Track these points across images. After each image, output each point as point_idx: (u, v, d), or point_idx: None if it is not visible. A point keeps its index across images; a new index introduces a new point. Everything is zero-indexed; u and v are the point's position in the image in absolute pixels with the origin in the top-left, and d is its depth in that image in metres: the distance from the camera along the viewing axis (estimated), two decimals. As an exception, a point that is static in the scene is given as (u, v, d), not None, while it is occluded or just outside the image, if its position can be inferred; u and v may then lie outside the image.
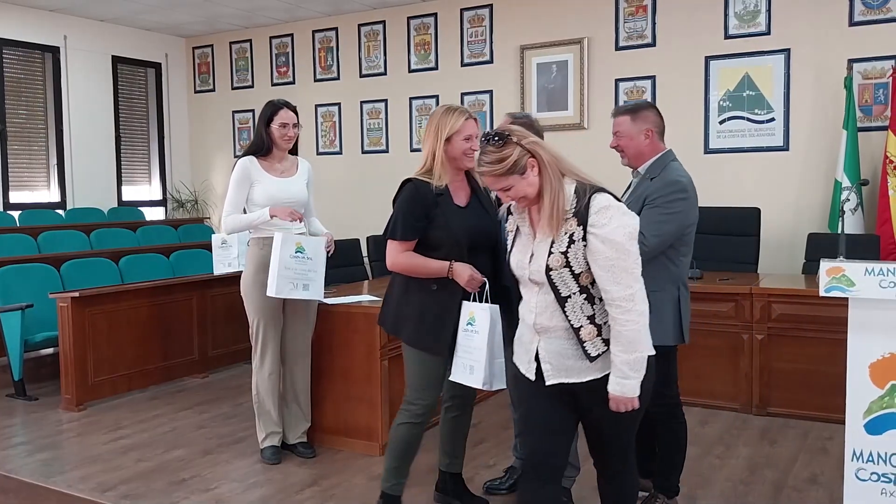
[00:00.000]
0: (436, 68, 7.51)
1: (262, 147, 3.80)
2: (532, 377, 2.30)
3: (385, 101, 7.82)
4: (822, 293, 2.52)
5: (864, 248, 4.75)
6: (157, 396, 5.17)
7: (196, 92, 9.19)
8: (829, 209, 5.64)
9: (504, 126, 2.31)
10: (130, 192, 8.79)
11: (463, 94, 7.33)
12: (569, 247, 2.16)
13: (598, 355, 2.20)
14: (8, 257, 5.67)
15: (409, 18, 7.61)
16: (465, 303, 2.78)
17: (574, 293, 2.19)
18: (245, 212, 3.81)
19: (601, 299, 2.19)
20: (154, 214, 8.93)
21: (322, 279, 3.75)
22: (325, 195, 6.73)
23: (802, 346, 4.41)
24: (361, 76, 7.95)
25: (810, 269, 5.05)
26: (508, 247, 2.38)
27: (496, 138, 2.19)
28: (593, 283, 2.19)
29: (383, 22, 7.76)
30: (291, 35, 8.36)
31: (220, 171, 8.92)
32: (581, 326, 2.20)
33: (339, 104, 8.12)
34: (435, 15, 7.47)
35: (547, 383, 2.27)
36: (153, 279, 5.69)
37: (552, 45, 6.84)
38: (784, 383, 4.47)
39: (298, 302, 3.84)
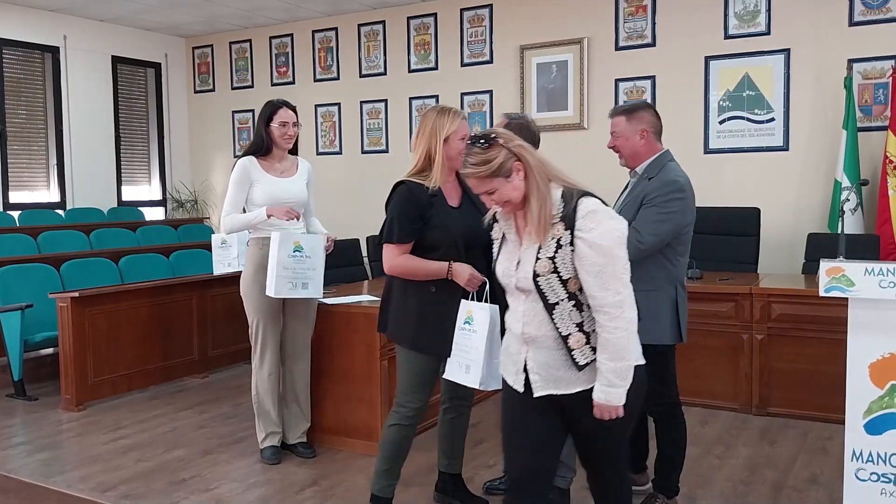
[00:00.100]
0: (436, 68, 7.51)
1: (261, 147, 3.80)
2: (520, 389, 2.24)
3: (385, 101, 7.82)
4: (821, 293, 2.52)
5: (864, 248, 4.75)
6: (157, 396, 5.17)
7: (196, 92, 9.19)
8: (829, 209, 5.64)
9: (491, 129, 2.29)
10: (130, 192, 8.79)
11: (463, 94, 7.34)
12: (556, 252, 2.12)
13: (587, 364, 2.15)
14: (8, 257, 5.67)
15: (408, 18, 7.61)
16: (462, 301, 2.76)
17: (562, 300, 2.14)
18: (245, 212, 3.81)
19: (590, 306, 2.14)
20: (154, 214, 8.93)
21: (321, 277, 3.75)
22: (325, 195, 6.73)
23: (802, 346, 4.41)
24: (361, 76, 7.95)
25: (810, 269, 5.05)
26: (494, 255, 2.34)
27: (482, 140, 2.16)
28: (581, 289, 2.14)
29: (383, 22, 7.76)
30: (291, 35, 8.36)
31: (219, 171, 8.92)
32: (569, 334, 2.15)
33: (338, 104, 8.12)
34: (435, 15, 7.47)
35: (535, 395, 2.21)
36: (153, 279, 5.69)
37: (552, 45, 6.84)
38: (784, 383, 4.47)
39: (298, 302, 3.84)
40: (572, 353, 2.15)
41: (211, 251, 4.51)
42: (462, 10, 7.31)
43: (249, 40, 8.67)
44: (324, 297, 3.99)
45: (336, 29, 8.06)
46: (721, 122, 6.19)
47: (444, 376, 2.83)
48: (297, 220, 3.75)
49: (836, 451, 3.71)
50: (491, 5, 7.17)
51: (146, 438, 4.29)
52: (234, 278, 4.09)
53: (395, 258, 2.88)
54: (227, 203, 3.79)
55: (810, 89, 5.86)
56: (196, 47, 9.10)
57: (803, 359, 4.40)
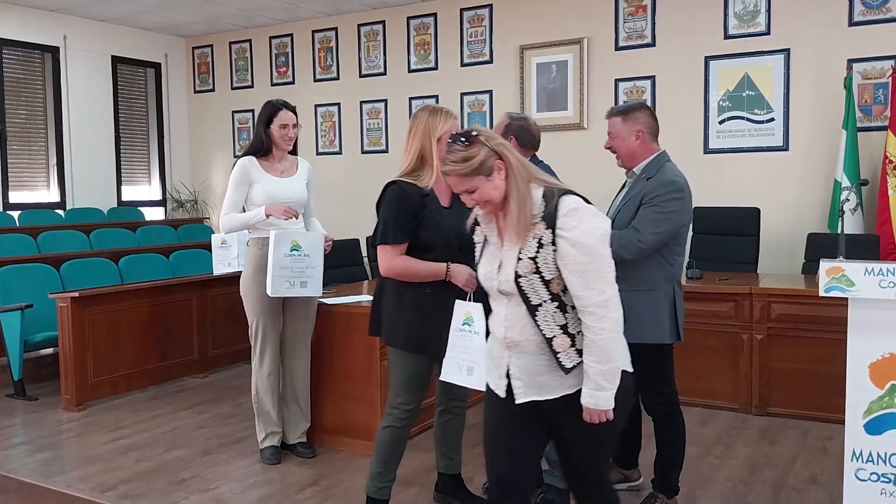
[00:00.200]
0: (435, 68, 7.51)
1: (261, 148, 3.80)
2: (502, 394, 2.19)
3: (385, 101, 7.82)
4: (821, 293, 2.51)
5: (864, 248, 4.75)
6: (156, 396, 5.17)
7: (196, 92, 9.19)
8: (829, 209, 5.64)
9: (472, 126, 2.25)
10: (130, 192, 8.79)
11: (463, 94, 7.34)
12: (538, 252, 2.07)
13: (574, 366, 2.09)
14: (8, 257, 5.67)
15: (408, 18, 7.61)
16: (459, 302, 2.69)
17: (545, 301, 2.09)
18: (245, 212, 3.81)
19: (574, 307, 2.08)
20: (154, 214, 8.93)
21: (320, 275, 3.74)
22: (325, 195, 6.73)
23: (802, 346, 4.41)
24: (361, 76, 7.95)
25: (810, 269, 5.06)
26: (476, 258, 2.29)
27: (462, 138, 2.12)
28: (565, 290, 2.08)
29: (383, 22, 7.76)
30: (291, 35, 8.36)
31: (219, 171, 8.92)
32: (554, 337, 2.09)
33: (338, 104, 8.12)
34: (435, 15, 7.47)
35: (517, 401, 2.16)
36: (153, 279, 5.69)
37: (552, 45, 6.84)
38: (784, 383, 4.47)
39: (298, 302, 3.84)
40: (558, 356, 2.09)
41: (211, 251, 4.51)
42: (462, 10, 7.31)
43: (249, 40, 8.67)
44: (324, 297, 3.99)
45: (336, 29, 8.06)
46: (721, 122, 6.19)
47: (441, 378, 2.76)
48: (296, 218, 3.75)
49: (836, 451, 3.71)
50: (491, 5, 7.17)
51: (146, 438, 4.29)
52: (234, 278, 4.09)
53: (393, 259, 2.85)
54: (227, 203, 3.79)
55: (810, 89, 5.86)
56: (196, 47, 9.10)
57: (803, 359, 4.40)
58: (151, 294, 5.36)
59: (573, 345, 2.09)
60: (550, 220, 2.06)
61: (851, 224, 5.18)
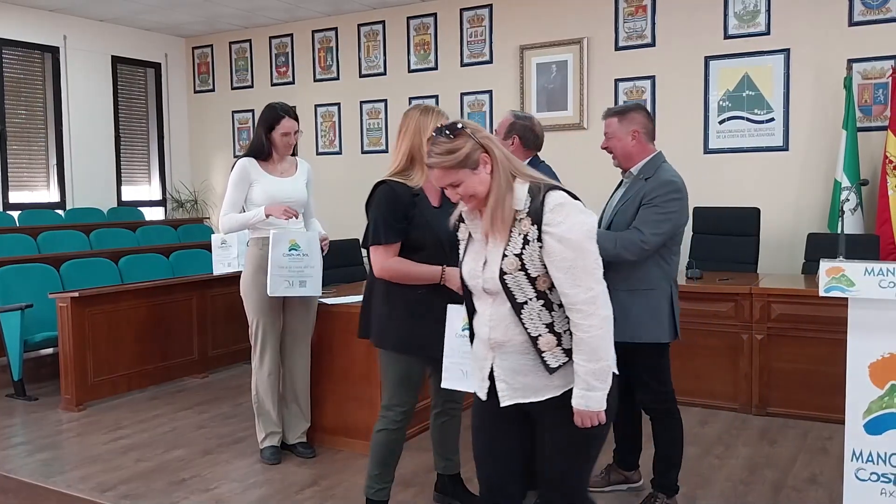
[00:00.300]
0: (435, 68, 7.51)
1: (262, 152, 3.80)
2: (483, 397, 2.15)
3: (385, 101, 7.82)
4: (821, 293, 2.52)
5: (864, 248, 4.75)
6: (156, 396, 5.17)
7: (196, 92, 9.19)
8: (829, 209, 5.64)
9: (458, 119, 2.17)
10: (130, 192, 8.78)
11: (462, 94, 7.33)
12: (523, 248, 2.01)
13: (559, 366, 2.03)
14: (8, 257, 5.67)
15: (408, 18, 7.61)
16: (453, 307, 2.67)
17: (531, 299, 2.02)
18: (244, 212, 3.81)
19: (560, 305, 2.02)
20: (154, 214, 8.93)
21: (319, 274, 3.74)
22: (325, 195, 6.72)
23: (802, 346, 4.40)
24: (361, 76, 7.95)
25: (810, 269, 5.05)
26: (461, 256, 2.21)
27: (447, 130, 2.05)
28: (551, 288, 2.02)
29: (383, 22, 7.76)
30: (291, 35, 8.36)
31: (219, 171, 8.91)
32: (539, 335, 2.02)
33: (338, 104, 8.12)
34: (435, 15, 7.47)
35: (501, 404, 2.10)
36: (153, 279, 5.69)
37: (552, 45, 6.84)
38: (783, 383, 4.47)
39: (298, 302, 3.84)
40: (543, 355, 2.03)
41: (211, 251, 4.52)
42: (462, 10, 7.31)
43: (249, 40, 8.67)
44: (323, 297, 3.99)
45: (336, 29, 8.05)
46: (721, 122, 6.19)
47: (443, 385, 2.74)
48: (296, 218, 3.75)
49: (836, 451, 3.71)
50: (491, 5, 7.17)
51: (146, 438, 4.29)
52: (234, 278, 4.09)
53: (387, 260, 2.80)
54: (226, 203, 3.79)
55: (810, 89, 5.85)
56: (196, 47, 9.10)
57: (803, 359, 4.40)
58: (151, 294, 5.36)
59: (559, 344, 2.04)
60: (536, 215, 2.01)
61: (851, 224, 5.17)
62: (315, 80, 8.25)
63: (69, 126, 8.04)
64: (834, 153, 5.63)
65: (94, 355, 4.95)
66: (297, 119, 3.83)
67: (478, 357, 2.19)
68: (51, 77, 7.96)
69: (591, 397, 1.99)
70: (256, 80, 8.65)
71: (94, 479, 3.67)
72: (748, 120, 6.08)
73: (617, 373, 2.07)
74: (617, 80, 6.58)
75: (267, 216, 3.68)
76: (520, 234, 2.02)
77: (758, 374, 4.52)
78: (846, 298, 2.51)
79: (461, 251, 2.23)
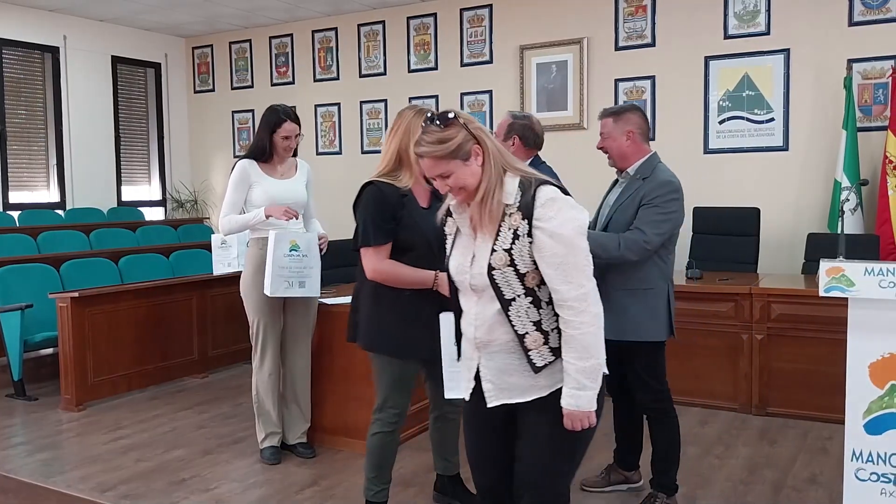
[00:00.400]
0: (435, 68, 7.51)
1: (262, 154, 3.80)
2: (467, 398, 2.12)
3: (385, 101, 7.82)
4: (821, 293, 2.52)
5: (864, 248, 4.75)
6: (156, 396, 5.17)
7: (196, 92, 9.19)
8: (829, 209, 5.64)
9: (450, 108, 2.12)
10: (130, 193, 8.78)
11: (463, 94, 7.33)
12: (513, 243, 1.95)
13: (545, 365, 1.98)
14: (8, 257, 5.67)
15: (408, 18, 7.61)
16: (449, 315, 2.58)
17: (519, 295, 1.97)
18: (244, 213, 3.81)
19: (549, 303, 1.98)
20: (153, 214, 8.93)
21: (318, 275, 3.75)
22: (325, 195, 6.72)
23: (802, 346, 4.40)
24: (361, 76, 7.95)
25: (810, 269, 5.06)
26: (448, 251, 2.15)
27: (439, 119, 1.99)
28: (540, 285, 1.98)
29: (383, 22, 7.76)
30: (291, 35, 8.36)
31: (219, 171, 8.91)
32: (526, 333, 1.97)
33: (338, 104, 8.12)
34: (435, 15, 7.47)
35: (488, 405, 2.06)
36: (153, 279, 5.69)
37: (552, 45, 6.84)
38: (783, 383, 4.47)
39: (298, 302, 3.84)
40: (529, 353, 1.98)
41: (211, 251, 4.52)
42: (462, 10, 7.31)
43: (249, 40, 8.67)
44: (323, 297, 3.99)
45: (336, 29, 8.05)
46: (721, 122, 6.19)
47: (447, 396, 2.66)
48: (297, 218, 3.75)
49: (836, 451, 3.71)
50: (491, 5, 7.17)
51: (146, 438, 4.29)
52: (234, 278, 4.09)
53: (380, 262, 2.77)
54: (226, 204, 3.79)
55: (810, 89, 5.86)
56: (196, 47, 9.10)
57: (803, 359, 4.40)
58: (151, 294, 5.36)
59: (546, 342, 1.99)
60: (527, 210, 1.96)
61: (851, 224, 5.18)
62: (315, 80, 8.25)
63: (69, 126, 8.04)
64: (834, 153, 5.63)
65: (94, 355, 4.95)
66: (298, 122, 3.83)
67: (465, 357, 2.15)
68: (51, 77, 7.96)
69: (581, 396, 1.95)
70: (256, 80, 8.65)
71: (94, 479, 3.67)
72: (748, 120, 6.08)
73: (607, 372, 2.03)
74: (617, 80, 6.58)
75: (267, 217, 3.68)
76: (510, 228, 1.97)
77: (758, 374, 4.52)
78: (846, 298, 2.51)
79: (448, 246, 2.17)
